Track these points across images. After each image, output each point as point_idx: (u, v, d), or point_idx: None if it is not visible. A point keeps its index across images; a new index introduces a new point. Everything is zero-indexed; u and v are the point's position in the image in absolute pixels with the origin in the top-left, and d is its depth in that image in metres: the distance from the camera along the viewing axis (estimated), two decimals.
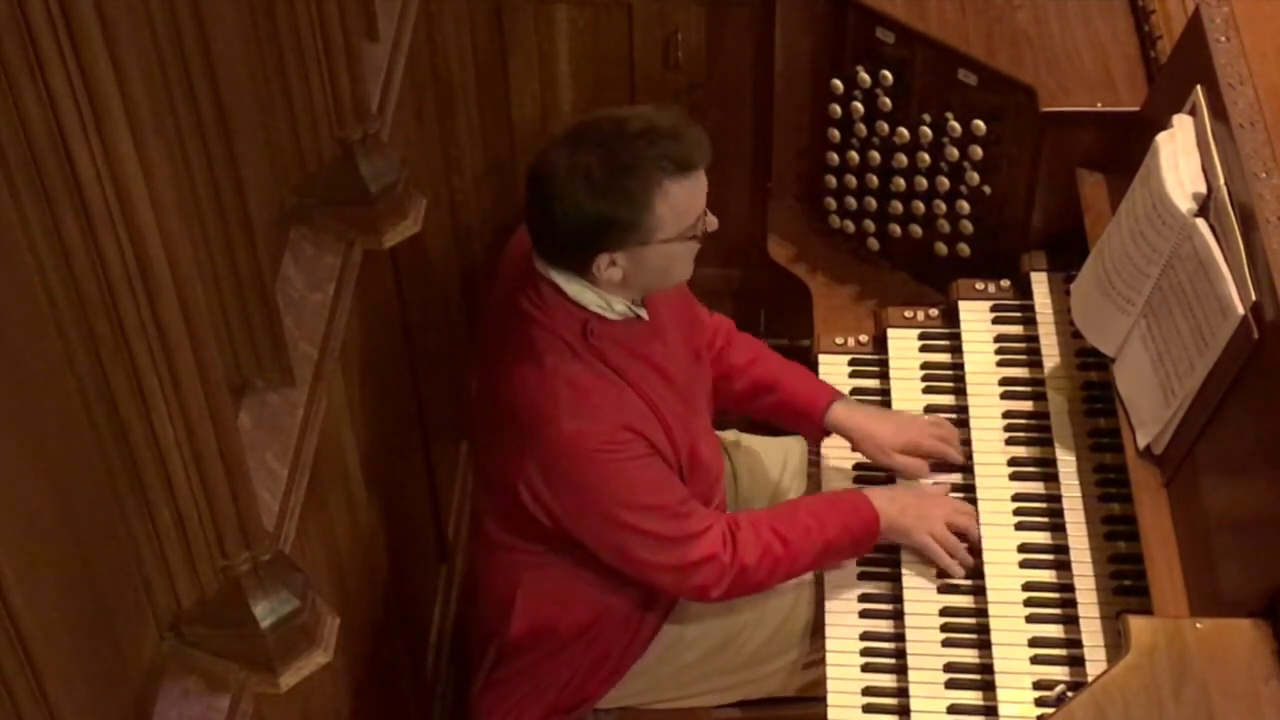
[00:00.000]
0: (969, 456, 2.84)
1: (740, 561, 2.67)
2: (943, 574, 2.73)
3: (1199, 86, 2.58)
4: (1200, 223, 2.46)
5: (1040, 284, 2.97)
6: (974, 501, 2.77)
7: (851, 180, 3.27)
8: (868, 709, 2.63)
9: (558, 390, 2.55)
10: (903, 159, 3.15)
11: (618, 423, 2.56)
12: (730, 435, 3.16)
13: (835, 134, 3.24)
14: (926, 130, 3.08)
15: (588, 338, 2.56)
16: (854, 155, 3.23)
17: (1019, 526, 2.71)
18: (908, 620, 2.68)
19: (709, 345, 2.92)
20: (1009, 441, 2.83)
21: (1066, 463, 2.71)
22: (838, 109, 3.21)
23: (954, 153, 3.06)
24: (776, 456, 3.15)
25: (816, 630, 2.81)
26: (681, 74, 3.57)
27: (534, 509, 2.63)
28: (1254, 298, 2.30)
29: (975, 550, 2.72)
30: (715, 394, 2.92)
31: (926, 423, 2.89)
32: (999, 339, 2.99)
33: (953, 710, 2.56)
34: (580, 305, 2.57)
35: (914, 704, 2.58)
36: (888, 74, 3.11)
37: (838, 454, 2.95)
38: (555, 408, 2.54)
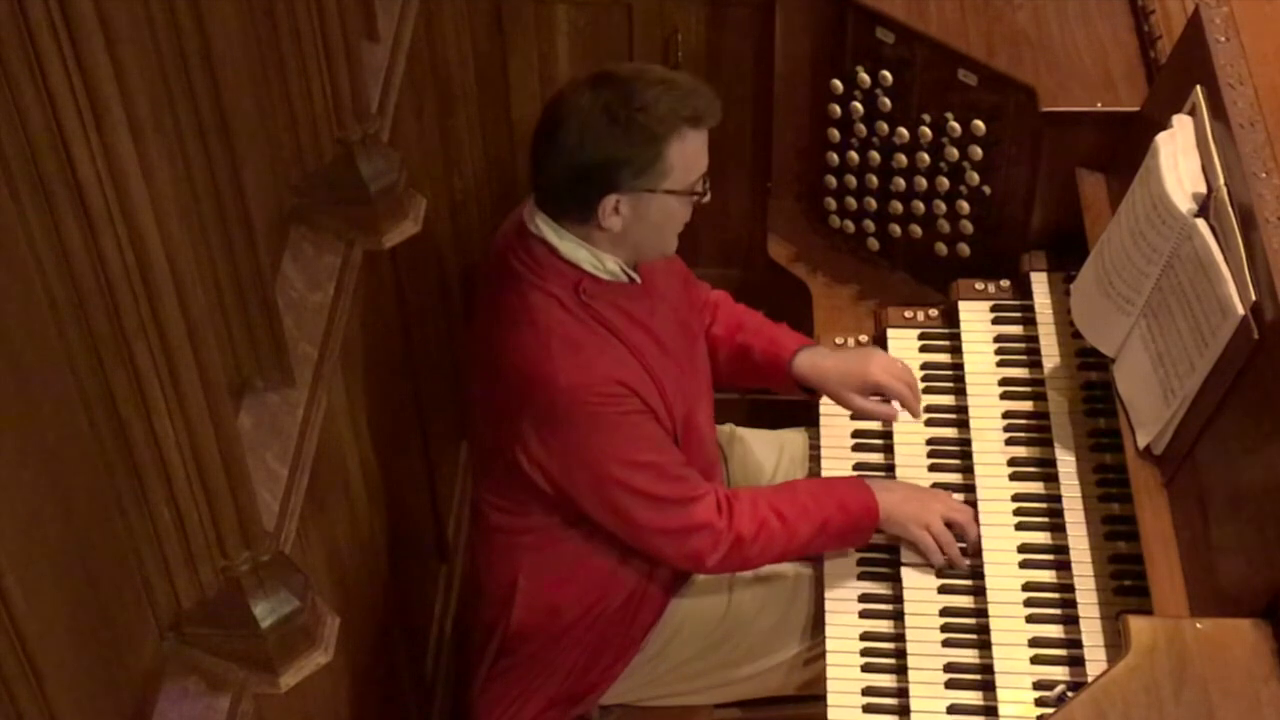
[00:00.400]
0: (969, 456, 2.84)
1: (736, 530, 2.68)
2: (943, 574, 2.73)
3: (1199, 86, 2.58)
4: (1200, 223, 2.45)
5: (1040, 284, 2.97)
6: (974, 502, 2.77)
7: (851, 180, 3.27)
8: (868, 709, 2.63)
9: (551, 346, 2.56)
10: (903, 159, 3.15)
11: (610, 376, 2.58)
12: (726, 429, 3.16)
13: (835, 134, 3.24)
14: (926, 130, 3.08)
15: (580, 295, 2.58)
16: (854, 155, 3.23)
17: (1019, 526, 2.71)
18: (908, 620, 2.68)
19: (702, 323, 2.94)
20: (1009, 441, 2.83)
21: (1066, 463, 2.71)
22: (838, 109, 3.21)
23: (954, 153, 3.06)
24: (771, 450, 3.15)
25: (817, 624, 2.81)
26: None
27: (532, 473, 2.64)
28: (1254, 298, 2.30)
29: (975, 550, 2.72)
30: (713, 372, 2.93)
31: (883, 362, 2.87)
32: (999, 339, 3.00)
33: (953, 710, 2.56)
34: (573, 264, 2.59)
35: (914, 704, 2.58)
36: (888, 74, 3.11)
37: (838, 451, 2.96)
38: (550, 364, 2.56)
